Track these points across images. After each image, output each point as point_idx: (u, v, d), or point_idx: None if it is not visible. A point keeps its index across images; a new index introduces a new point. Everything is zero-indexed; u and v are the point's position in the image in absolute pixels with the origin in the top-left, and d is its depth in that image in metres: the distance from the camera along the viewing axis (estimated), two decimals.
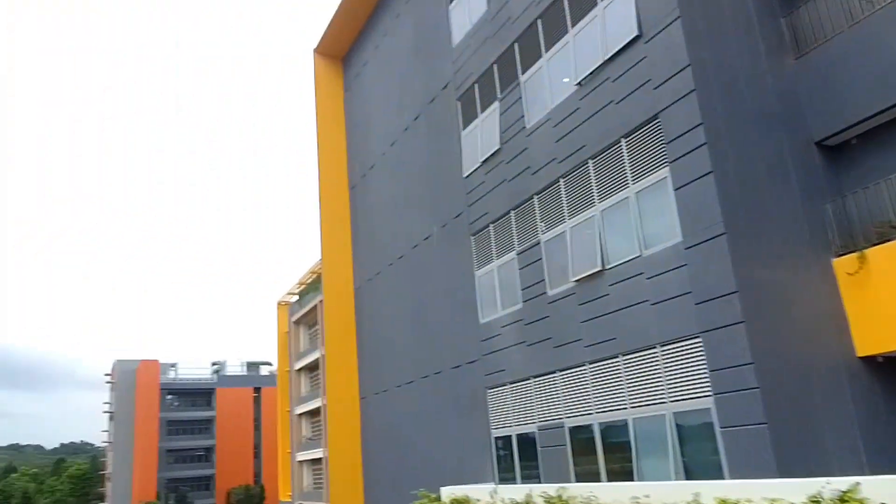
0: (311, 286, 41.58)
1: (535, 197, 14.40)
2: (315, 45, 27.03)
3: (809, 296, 10.49)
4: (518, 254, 14.92)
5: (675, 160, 10.81)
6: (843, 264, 10.70)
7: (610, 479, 11.69)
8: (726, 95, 10.77)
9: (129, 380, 79.78)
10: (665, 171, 11.06)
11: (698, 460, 10.30)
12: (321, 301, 26.37)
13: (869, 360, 10.55)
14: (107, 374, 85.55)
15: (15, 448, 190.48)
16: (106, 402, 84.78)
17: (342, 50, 26.91)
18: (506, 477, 14.74)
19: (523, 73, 15.16)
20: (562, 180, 13.59)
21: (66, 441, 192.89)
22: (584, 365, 12.68)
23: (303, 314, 43.06)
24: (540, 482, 13.08)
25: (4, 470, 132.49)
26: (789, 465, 8.93)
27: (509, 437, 14.82)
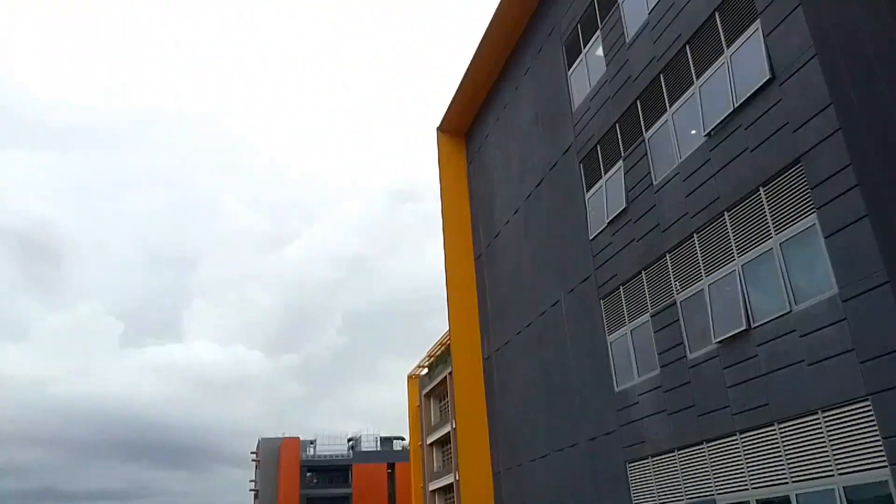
0: (441, 358, 41.74)
1: (668, 255, 13.74)
2: (438, 123, 28.04)
3: None
4: (652, 316, 14.17)
5: (823, 205, 9.96)
6: None
7: None
8: (874, 130, 9.88)
9: (272, 457, 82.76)
10: (812, 218, 10.20)
11: None
12: (450, 373, 26.29)
13: None
14: (252, 452, 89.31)
15: None
16: (252, 481, 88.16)
17: (464, 125, 27.68)
18: None
19: (647, 129, 14.81)
20: (695, 235, 12.90)
21: None
22: (734, 434, 11.61)
23: (433, 387, 43.16)
24: None
25: None
26: None
27: None
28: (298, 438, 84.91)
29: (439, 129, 28.08)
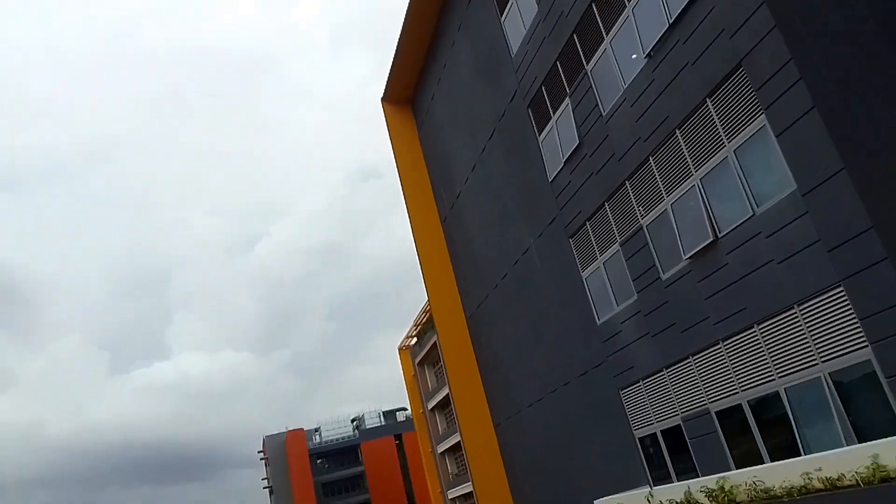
0: (427, 325, 41.93)
1: (627, 182, 13.81)
2: (381, 94, 27.67)
3: None
4: (621, 245, 14.30)
5: (770, 105, 10.04)
6: None
7: (773, 458, 10.72)
8: (811, 20, 9.93)
9: (279, 452, 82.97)
10: (762, 120, 10.29)
11: (869, 418, 9.26)
12: (437, 338, 26.41)
13: None
14: (259, 451, 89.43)
15: None
16: (264, 478, 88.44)
17: (408, 92, 27.34)
18: (659, 476, 13.90)
19: (588, 62, 14.74)
20: (651, 158, 12.97)
21: None
22: (717, 343, 11.85)
23: (424, 354, 43.43)
24: (697, 476, 12.22)
25: None
26: None
27: (654, 434, 14.02)
28: (303, 429, 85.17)
29: (384, 99, 27.74)
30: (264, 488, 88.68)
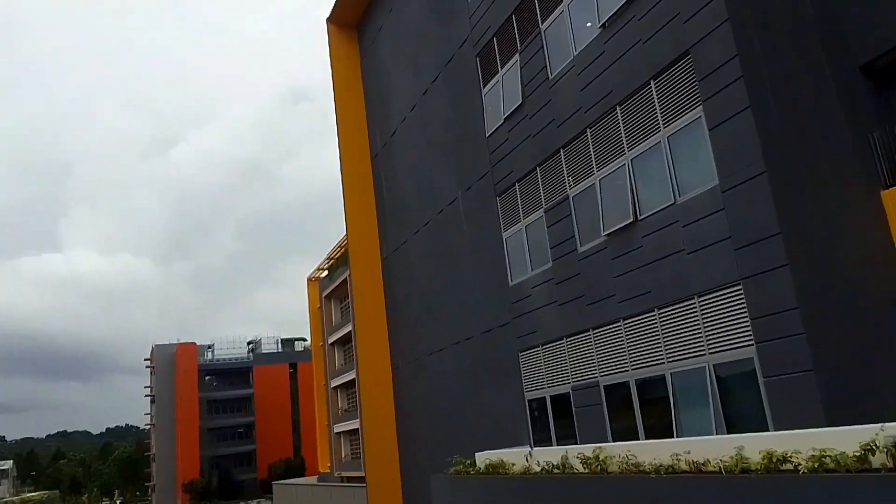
0: (341, 260, 41.54)
1: (562, 150, 13.84)
2: (328, 14, 26.49)
3: (857, 231, 9.84)
4: (546, 211, 14.41)
5: (709, 97, 10.17)
6: (892, 196, 10.00)
7: (648, 437, 11.27)
8: (761, 23, 10.06)
9: (168, 363, 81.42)
10: (698, 111, 10.43)
11: (741, 412, 9.81)
12: (350, 275, 26.18)
13: None
14: (146, 360, 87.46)
15: (63, 435, 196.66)
16: (147, 386, 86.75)
17: (356, 17, 26.29)
18: (541, 439, 14.42)
19: (543, 21, 14.51)
20: (588, 130, 13.01)
21: (112, 426, 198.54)
22: (618, 321, 12.21)
23: (333, 288, 43.11)
24: (576, 443, 12.72)
25: (53, 456, 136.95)
26: (839, 414, 8.38)
27: (543, 398, 14.46)
28: (195, 343, 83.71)
29: (329, 20, 26.57)
30: (146, 396, 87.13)
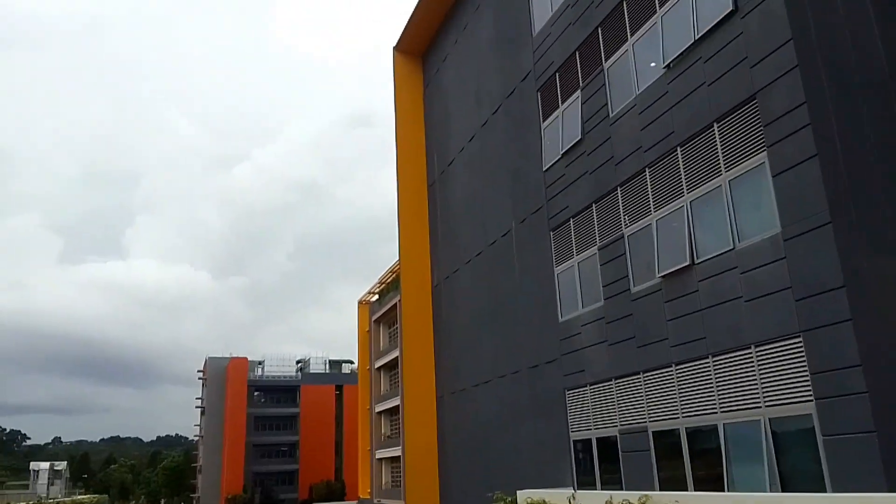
0: (392, 285, 41.83)
1: (619, 188, 13.70)
2: (395, 42, 27.07)
3: None
4: (600, 249, 14.24)
5: (773, 144, 9.94)
6: None
7: (698, 488, 10.87)
8: (832, 70, 9.80)
9: (219, 376, 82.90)
10: (762, 157, 10.19)
11: (797, 470, 9.38)
12: (400, 300, 26.32)
13: None
14: (199, 371, 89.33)
15: (115, 440, 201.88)
16: (198, 398, 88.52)
17: (422, 46, 26.79)
18: (585, 481, 14.07)
19: (607, 59, 14.49)
20: (647, 170, 12.85)
21: (162, 434, 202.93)
22: (670, 366, 11.90)
23: (383, 313, 43.37)
24: (621, 488, 12.37)
25: (105, 461, 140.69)
26: None
27: (589, 440, 14.15)
28: (247, 358, 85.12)
29: (396, 48, 27.13)
30: (197, 407, 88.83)
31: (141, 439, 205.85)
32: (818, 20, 9.99)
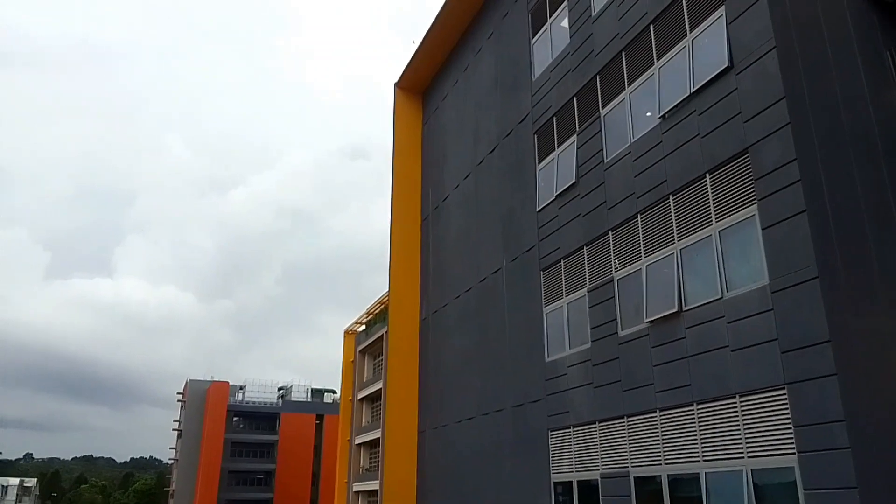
0: (379, 316, 41.73)
1: (611, 232, 13.88)
2: (396, 79, 27.50)
3: None
4: (589, 291, 14.36)
5: (764, 197, 10.15)
6: None
7: None
8: (823, 129, 10.08)
9: (199, 399, 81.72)
10: (752, 209, 10.40)
11: None
12: (387, 332, 26.27)
13: None
14: (179, 393, 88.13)
15: (88, 459, 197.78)
16: (176, 420, 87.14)
17: (423, 84, 27.22)
18: None
19: (604, 106, 14.80)
20: (639, 216, 13.05)
21: (136, 456, 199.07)
22: (654, 411, 11.94)
23: (369, 344, 43.17)
24: None
25: (76, 480, 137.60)
26: None
27: (570, 483, 14.08)
28: (227, 383, 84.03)
29: (398, 85, 27.54)
30: (174, 430, 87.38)
31: (114, 460, 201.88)
32: (811, 80, 10.31)
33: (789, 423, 9.31)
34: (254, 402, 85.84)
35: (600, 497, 12.97)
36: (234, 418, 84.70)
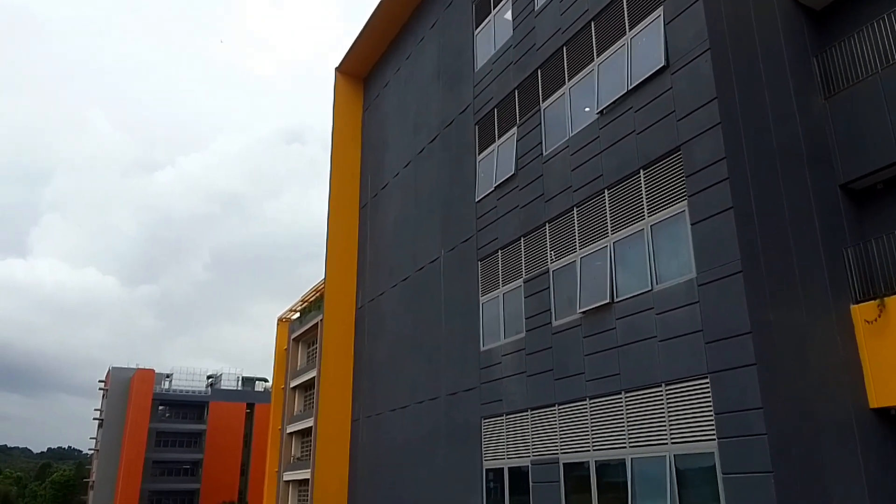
0: (314, 304, 41.26)
1: (547, 225, 14.13)
2: (337, 63, 27.15)
3: (825, 341, 10.09)
4: (525, 282, 14.59)
5: (694, 194, 10.54)
6: (861, 311, 10.33)
7: None
8: (752, 131, 10.52)
9: (122, 388, 79.04)
10: (683, 205, 10.78)
11: None
12: (322, 319, 26.01)
13: (882, 413, 10.12)
14: (100, 381, 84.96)
15: (2, 450, 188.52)
16: (97, 409, 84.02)
17: (364, 70, 26.97)
18: None
19: (544, 99, 15.02)
20: (575, 209, 13.33)
21: (53, 446, 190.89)
22: (584, 399, 12.26)
23: (302, 332, 42.67)
24: None
25: None
26: None
27: (501, 469, 14.32)
28: (153, 371, 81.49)
29: (338, 69, 27.20)
30: (95, 419, 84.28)
31: (30, 450, 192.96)
32: (742, 84, 10.74)
33: (711, 411, 9.73)
34: (181, 391, 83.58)
35: (530, 483, 13.25)
36: (160, 407, 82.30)
